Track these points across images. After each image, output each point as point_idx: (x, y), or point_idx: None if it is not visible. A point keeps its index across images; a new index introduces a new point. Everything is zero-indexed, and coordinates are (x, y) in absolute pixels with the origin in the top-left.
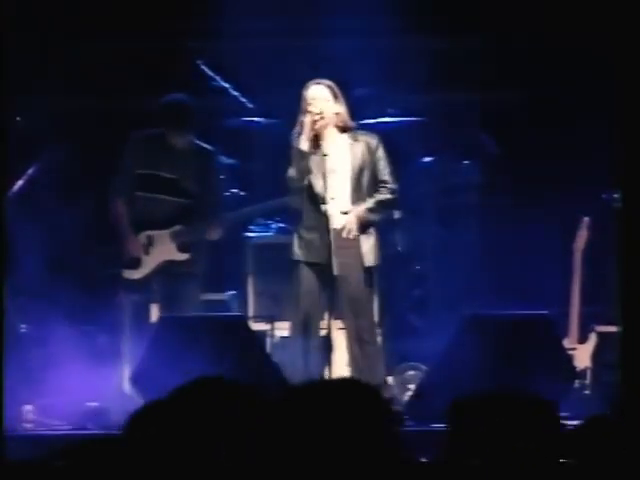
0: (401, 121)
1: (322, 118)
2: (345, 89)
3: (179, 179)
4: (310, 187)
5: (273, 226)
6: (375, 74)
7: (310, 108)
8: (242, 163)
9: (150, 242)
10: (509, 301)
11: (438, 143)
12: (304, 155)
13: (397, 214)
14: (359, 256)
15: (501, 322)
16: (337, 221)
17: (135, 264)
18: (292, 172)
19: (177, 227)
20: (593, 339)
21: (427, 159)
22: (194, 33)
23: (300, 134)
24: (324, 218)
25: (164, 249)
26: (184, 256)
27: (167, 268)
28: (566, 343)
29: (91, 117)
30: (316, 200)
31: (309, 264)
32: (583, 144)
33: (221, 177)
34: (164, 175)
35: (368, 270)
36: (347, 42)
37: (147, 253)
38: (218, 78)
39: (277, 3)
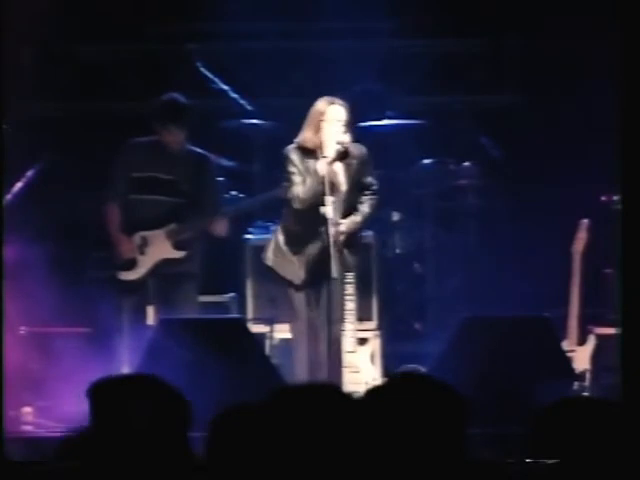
0: (401, 123)
1: (346, 149)
2: (344, 91)
3: (175, 180)
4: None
5: (272, 228)
6: (374, 76)
7: (334, 128)
8: (241, 165)
9: (145, 242)
10: (508, 303)
11: (437, 145)
12: (319, 177)
13: (396, 216)
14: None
15: (500, 324)
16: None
17: (130, 265)
18: (304, 191)
19: (172, 225)
20: (592, 341)
21: (427, 161)
22: (193, 35)
23: (318, 153)
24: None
25: (160, 248)
26: (180, 254)
27: (164, 267)
28: (565, 345)
29: (90, 120)
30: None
31: None
32: (582, 146)
33: (220, 179)
34: (160, 176)
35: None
36: (346, 44)
37: (142, 253)
38: (217, 80)
39: (276, 5)
